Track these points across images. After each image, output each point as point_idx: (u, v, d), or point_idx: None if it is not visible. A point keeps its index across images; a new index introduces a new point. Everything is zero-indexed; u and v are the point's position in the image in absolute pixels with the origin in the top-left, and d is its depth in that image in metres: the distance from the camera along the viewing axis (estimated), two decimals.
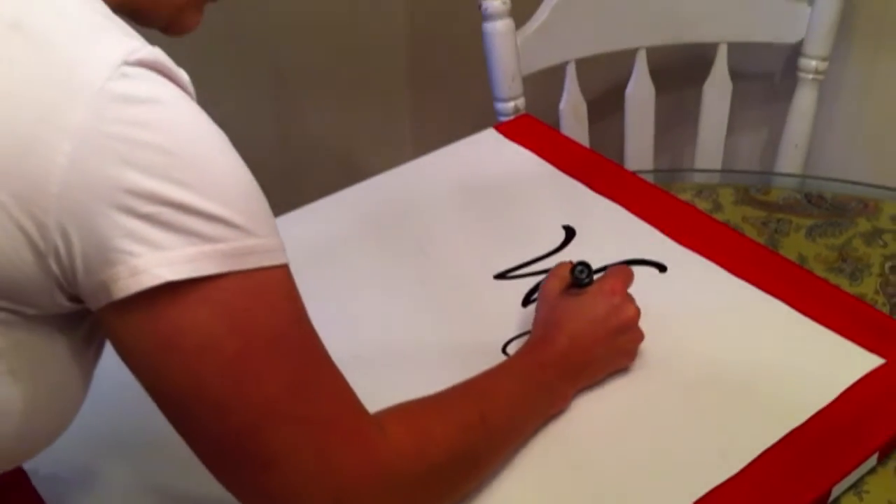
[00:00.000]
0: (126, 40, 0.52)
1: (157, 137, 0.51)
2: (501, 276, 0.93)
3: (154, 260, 0.51)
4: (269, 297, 0.56)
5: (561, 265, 0.85)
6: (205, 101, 0.57)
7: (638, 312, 0.81)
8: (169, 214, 0.51)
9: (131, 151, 0.50)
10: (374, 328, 0.88)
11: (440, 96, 2.03)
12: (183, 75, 0.55)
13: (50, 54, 0.50)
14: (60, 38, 0.51)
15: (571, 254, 0.95)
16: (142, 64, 0.52)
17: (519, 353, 0.79)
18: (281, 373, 0.56)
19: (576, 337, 0.78)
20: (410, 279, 0.94)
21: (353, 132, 2.04)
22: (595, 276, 0.83)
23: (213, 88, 1.62)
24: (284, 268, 0.56)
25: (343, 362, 0.77)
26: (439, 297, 0.91)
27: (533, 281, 0.92)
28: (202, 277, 0.52)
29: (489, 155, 1.12)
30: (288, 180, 1.79)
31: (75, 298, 0.54)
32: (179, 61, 0.56)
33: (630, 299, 0.82)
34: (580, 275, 0.82)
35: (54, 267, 0.52)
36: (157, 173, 0.51)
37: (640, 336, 0.82)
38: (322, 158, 1.97)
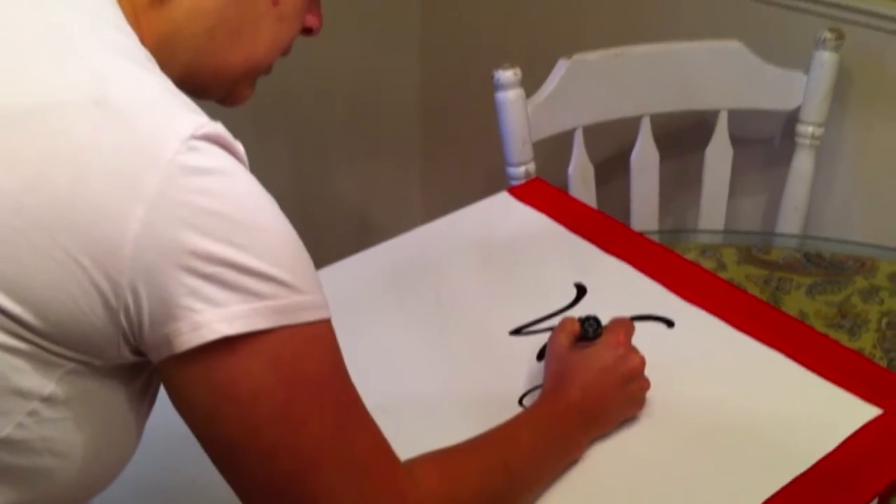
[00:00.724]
0: (193, 116, 0.58)
1: (220, 205, 0.56)
2: (517, 331, 0.98)
3: (213, 316, 0.56)
4: (315, 349, 0.60)
5: (568, 320, 0.90)
6: None
7: (643, 361, 0.86)
8: (227, 274, 0.56)
9: (196, 217, 0.55)
10: (397, 381, 0.93)
11: (450, 161, 2.09)
12: (239, 147, 0.60)
13: (127, 129, 0.55)
14: (137, 114, 0.56)
15: (583, 310, 1.00)
16: (206, 138, 0.57)
17: (535, 404, 0.84)
18: (325, 420, 0.61)
19: (587, 388, 0.83)
20: (430, 335, 0.98)
21: (367, 194, 2.10)
22: (601, 326, 0.88)
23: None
24: (328, 322, 0.61)
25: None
26: (458, 351, 0.96)
27: (547, 336, 0.96)
28: (255, 332, 0.57)
29: (503, 217, 1.17)
30: (303, 239, 1.84)
31: (138, 351, 0.59)
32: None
33: (634, 349, 0.87)
34: (589, 328, 0.87)
35: (123, 322, 0.56)
36: (219, 237, 0.56)
37: (647, 384, 0.87)
38: (336, 219, 2.03)
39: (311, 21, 0.74)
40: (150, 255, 0.55)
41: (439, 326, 0.99)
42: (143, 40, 0.64)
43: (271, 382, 0.58)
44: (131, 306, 0.56)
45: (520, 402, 0.90)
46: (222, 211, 0.56)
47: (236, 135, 0.61)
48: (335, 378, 0.62)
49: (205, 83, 0.69)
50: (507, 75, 1.32)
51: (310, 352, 0.60)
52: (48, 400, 0.58)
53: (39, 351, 0.56)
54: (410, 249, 1.13)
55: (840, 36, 1.37)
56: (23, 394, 0.57)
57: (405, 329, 0.99)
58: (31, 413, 0.57)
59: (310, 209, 1.99)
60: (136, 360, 0.59)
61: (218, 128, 0.58)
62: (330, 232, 1.89)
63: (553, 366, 0.88)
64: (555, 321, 0.99)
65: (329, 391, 0.61)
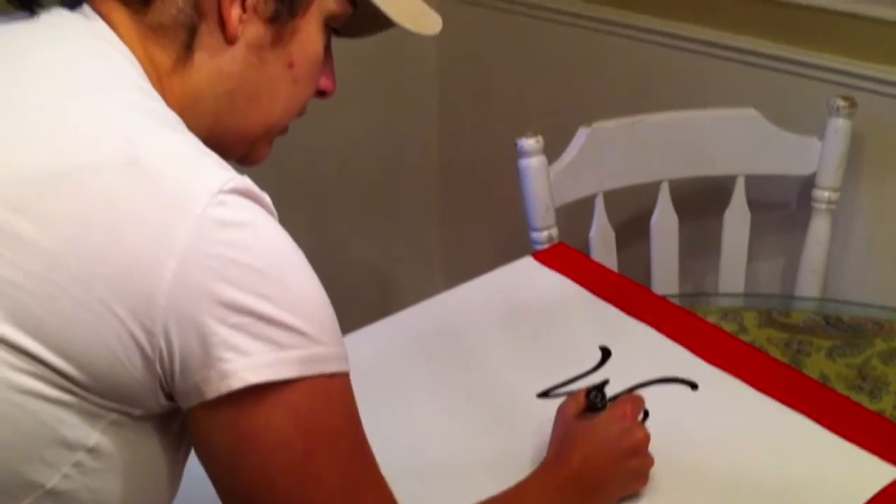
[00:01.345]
0: (221, 171, 0.61)
1: (247, 257, 0.59)
2: (544, 394, 1.01)
3: (241, 365, 0.58)
4: (333, 400, 0.62)
5: (578, 391, 0.91)
6: None
7: (648, 437, 0.87)
8: (255, 325, 0.58)
9: (225, 268, 0.58)
10: (427, 445, 0.95)
11: (469, 225, 2.13)
12: (266, 199, 0.62)
13: (159, 186, 0.59)
14: (168, 172, 0.59)
15: (608, 372, 1.03)
16: (235, 191, 0.60)
17: (537, 471, 0.85)
18: (339, 474, 0.63)
19: (588, 457, 0.84)
20: (459, 398, 1.01)
21: (387, 258, 2.14)
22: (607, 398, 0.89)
23: None
24: (347, 376, 0.63)
25: (397, 474, 0.85)
26: (486, 414, 0.98)
27: None
28: (279, 381, 0.59)
29: (528, 281, 1.20)
30: None
31: (171, 397, 0.61)
32: None
33: (640, 424, 0.88)
34: (594, 399, 0.88)
35: (159, 370, 0.59)
36: (246, 288, 0.58)
37: (650, 461, 0.87)
38: (356, 282, 2.06)
39: (324, 84, 0.77)
40: (182, 305, 0.57)
41: (468, 390, 1.02)
42: (168, 103, 0.67)
43: (291, 433, 0.60)
44: (165, 354, 0.58)
45: None
46: (250, 263, 0.59)
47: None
48: (352, 433, 0.64)
49: (225, 143, 0.72)
50: (529, 143, 1.36)
51: (329, 404, 0.62)
52: (93, 451, 0.60)
53: (84, 403, 0.59)
54: (437, 314, 1.16)
55: (853, 103, 1.41)
56: (69, 445, 0.59)
57: (434, 393, 1.02)
58: (77, 464, 0.60)
59: (330, 272, 2.02)
60: (171, 407, 0.62)
61: (245, 181, 0.61)
62: (350, 295, 1.91)
63: (558, 433, 0.89)
64: (581, 383, 1.01)
65: (345, 445, 0.63)
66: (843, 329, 1.14)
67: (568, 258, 1.25)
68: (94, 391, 0.59)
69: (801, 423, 0.95)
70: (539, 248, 1.35)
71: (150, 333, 0.58)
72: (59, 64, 0.64)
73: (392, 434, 0.95)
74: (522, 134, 1.37)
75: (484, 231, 2.04)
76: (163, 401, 0.61)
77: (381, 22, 0.75)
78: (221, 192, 0.59)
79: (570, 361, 1.04)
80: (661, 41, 1.65)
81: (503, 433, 0.96)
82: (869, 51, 1.45)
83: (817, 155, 1.44)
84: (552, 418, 0.96)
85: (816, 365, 1.08)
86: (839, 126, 1.42)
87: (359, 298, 1.98)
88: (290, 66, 0.72)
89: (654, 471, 0.89)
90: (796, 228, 1.52)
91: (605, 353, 1.06)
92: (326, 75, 0.77)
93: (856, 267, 1.53)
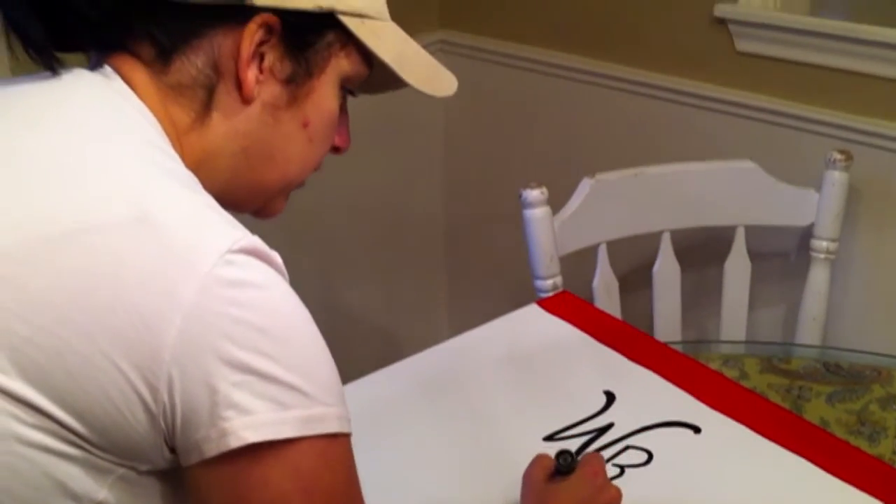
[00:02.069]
0: (231, 230, 0.61)
1: (252, 316, 0.59)
2: (550, 437, 1.03)
3: (240, 424, 0.58)
4: (333, 460, 0.62)
5: (541, 455, 0.91)
6: None
7: (620, 493, 0.87)
8: (257, 383, 0.59)
9: (230, 327, 0.58)
10: (435, 488, 0.97)
11: (474, 276, 2.16)
12: (276, 258, 0.63)
13: (167, 243, 0.59)
14: (177, 229, 0.60)
15: (613, 416, 1.05)
16: (244, 251, 0.60)
17: None
18: None
19: None
20: (466, 442, 1.03)
21: (393, 310, 2.16)
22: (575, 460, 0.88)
23: None
24: (348, 437, 0.63)
25: None
26: (494, 457, 1.00)
27: (579, 441, 1.01)
28: (279, 441, 0.59)
29: (533, 328, 1.23)
30: (330, 353, 1.89)
31: (174, 451, 0.61)
32: None
33: (609, 482, 0.88)
34: (564, 463, 0.88)
35: (162, 424, 0.59)
36: (250, 347, 0.59)
37: None
38: (363, 334, 2.08)
39: (339, 141, 0.78)
40: (186, 362, 0.58)
41: (476, 433, 1.04)
42: (185, 160, 0.68)
43: (288, 490, 0.60)
44: (168, 410, 0.59)
45: None
46: (254, 322, 0.59)
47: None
48: (349, 493, 0.64)
49: (241, 198, 0.74)
50: (534, 194, 1.40)
51: (328, 464, 0.62)
52: None
53: (91, 457, 0.59)
54: (443, 359, 1.18)
55: (849, 157, 1.45)
56: (78, 498, 0.60)
57: (441, 436, 1.04)
58: None
59: (337, 324, 2.05)
60: (177, 462, 0.62)
61: (255, 241, 0.62)
62: (357, 346, 1.93)
63: (530, 499, 0.88)
64: (587, 426, 1.03)
65: None
66: (843, 375, 1.17)
67: (572, 306, 1.27)
68: (100, 447, 0.59)
69: (802, 467, 0.97)
70: (544, 296, 1.38)
71: (153, 389, 0.58)
72: (78, 122, 0.66)
73: (399, 476, 0.98)
74: (527, 185, 1.41)
75: (489, 282, 2.07)
76: (168, 455, 0.61)
77: (396, 81, 0.77)
78: (230, 251, 0.60)
79: (576, 405, 1.07)
80: (663, 96, 1.69)
81: (510, 476, 0.97)
82: (865, 106, 1.49)
83: (815, 206, 1.48)
84: None
85: (816, 410, 1.10)
86: (836, 178, 1.46)
87: (365, 350, 2.00)
88: (306, 125, 0.73)
89: None
90: (796, 277, 1.55)
91: (610, 398, 1.08)
92: (341, 132, 0.78)
93: (855, 315, 1.56)
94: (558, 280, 1.42)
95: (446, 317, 2.22)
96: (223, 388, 0.58)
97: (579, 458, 0.90)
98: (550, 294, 1.38)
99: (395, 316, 2.17)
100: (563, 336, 1.21)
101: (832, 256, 1.48)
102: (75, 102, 0.67)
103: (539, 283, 1.42)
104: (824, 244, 1.48)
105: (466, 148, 2.05)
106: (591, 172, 1.46)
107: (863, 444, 1.04)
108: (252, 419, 0.59)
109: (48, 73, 0.68)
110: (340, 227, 2.01)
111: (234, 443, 0.59)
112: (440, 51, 1.93)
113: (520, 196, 1.41)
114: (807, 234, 1.51)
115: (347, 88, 0.77)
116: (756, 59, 1.58)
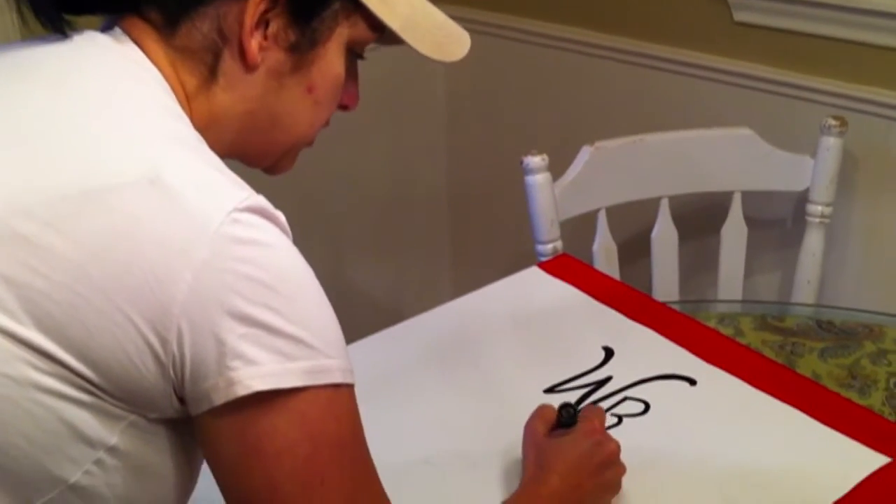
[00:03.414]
0: (237, 191, 0.64)
1: (259, 272, 0.62)
2: (550, 389, 1.06)
3: (247, 373, 0.61)
4: (338, 410, 0.65)
5: (543, 407, 0.94)
6: None
7: (619, 447, 0.89)
8: (263, 336, 0.61)
9: (237, 282, 0.61)
10: (442, 438, 1.00)
11: (478, 246, 2.19)
12: (281, 217, 0.65)
13: (178, 204, 0.62)
14: (186, 191, 0.62)
15: (611, 370, 1.08)
16: (249, 210, 0.63)
17: (517, 493, 0.86)
18: (341, 483, 0.65)
19: (566, 475, 0.86)
20: (470, 394, 1.06)
21: (399, 283, 2.19)
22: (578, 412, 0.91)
23: None
24: (351, 387, 0.66)
25: (412, 463, 0.90)
26: (497, 409, 1.04)
27: (579, 393, 1.05)
28: (285, 389, 0.62)
29: (534, 289, 1.26)
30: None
31: (184, 402, 0.64)
32: None
33: (609, 436, 0.90)
34: (568, 415, 0.90)
35: (172, 375, 0.62)
36: (256, 301, 0.61)
37: (622, 469, 0.89)
38: (369, 306, 2.11)
39: (347, 100, 0.80)
40: (195, 315, 0.61)
41: (478, 386, 1.08)
42: (193, 120, 0.70)
43: (296, 439, 0.63)
44: (177, 360, 0.62)
45: None
46: (261, 278, 0.62)
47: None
48: (355, 443, 0.67)
49: (250, 157, 0.77)
50: (535, 161, 1.43)
51: (333, 413, 0.65)
52: (113, 450, 0.63)
53: (103, 404, 0.62)
54: (446, 319, 1.21)
55: (843, 123, 1.48)
56: (91, 443, 0.63)
57: (446, 391, 1.07)
58: (98, 462, 0.63)
59: (342, 294, 2.07)
60: (186, 412, 0.65)
61: (260, 200, 0.64)
62: (361, 312, 1.96)
63: (532, 454, 0.90)
64: (586, 379, 1.07)
65: (348, 454, 0.66)
66: (835, 332, 1.20)
67: (572, 268, 1.31)
68: (112, 394, 0.62)
69: (794, 416, 1.01)
70: (544, 259, 1.41)
71: (164, 340, 0.61)
72: (95, 86, 0.68)
73: (406, 427, 1.01)
74: (528, 153, 1.43)
75: (492, 252, 2.10)
76: (177, 405, 0.64)
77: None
78: (236, 210, 0.62)
79: (575, 360, 1.10)
80: (661, 66, 1.72)
81: (511, 427, 1.01)
82: (859, 74, 1.52)
83: (810, 172, 1.51)
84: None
85: (809, 365, 1.14)
86: (831, 144, 1.49)
87: (370, 319, 2.03)
88: (311, 90, 0.75)
89: (654, 461, 0.94)
90: (791, 242, 1.58)
91: (608, 353, 1.11)
92: (350, 92, 0.79)
93: (848, 278, 1.59)
94: (559, 244, 1.45)
95: (450, 285, 2.25)
96: (230, 339, 0.61)
97: (580, 410, 0.92)
98: (551, 258, 1.41)
99: (399, 285, 2.20)
100: (563, 296, 1.24)
101: (827, 220, 1.51)
102: (91, 66, 0.69)
103: (540, 248, 1.45)
104: (819, 209, 1.51)
105: (469, 120, 2.08)
106: (592, 141, 1.49)
107: (853, 397, 1.07)
108: (258, 369, 0.61)
109: (59, 36, 0.70)
110: (345, 198, 2.04)
111: (242, 391, 0.61)
112: None
113: (521, 163, 1.44)
114: (802, 199, 1.54)
115: (356, 52, 0.78)
116: (753, 28, 1.60)
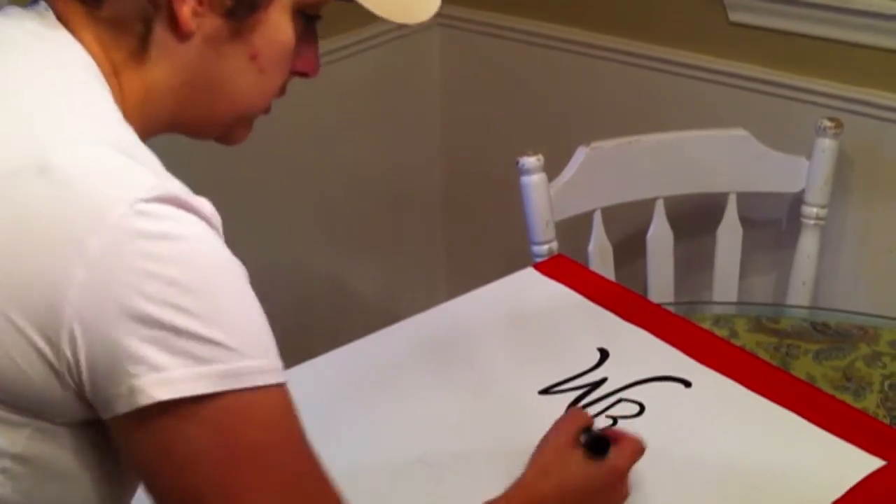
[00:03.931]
0: (145, 178, 0.57)
1: (165, 269, 0.56)
2: (545, 391, 1.06)
3: (151, 380, 0.56)
4: (258, 415, 0.59)
5: (582, 415, 0.88)
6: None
7: (628, 494, 0.85)
8: (170, 338, 0.56)
9: (139, 281, 0.55)
10: (436, 439, 1.00)
11: (472, 245, 2.19)
12: (204, 205, 0.59)
13: (70, 195, 0.56)
14: (80, 180, 0.56)
15: (606, 371, 1.08)
16: (159, 200, 0.57)
17: (515, 487, 0.82)
18: (268, 489, 0.59)
19: (565, 492, 0.82)
20: (464, 396, 1.06)
21: (393, 282, 2.19)
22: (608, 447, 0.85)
23: (268, 234, 1.78)
24: (280, 388, 0.60)
25: (405, 464, 0.89)
26: (491, 410, 1.04)
27: (574, 395, 1.05)
28: (194, 397, 0.56)
29: (529, 290, 1.26)
30: (332, 324, 1.92)
31: (93, 405, 0.59)
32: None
33: (627, 480, 0.85)
34: (595, 448, 0.84)
35: (70, 381, 0.57)
36: (162, 301, 0.55)
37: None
38: (363, 304, 2.11)
39: (302, 66, 0.73)
40: (89, 317, 0.55)
41: (473, 387, 1.07)
42: (124, 94, 0.65)
43: (207, 446, 0.58)
44: (73, 367, 0.57)
45: None
46: (168, 274, 0.56)
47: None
48: (284, 445, 0.61)
49: (195, 129, 0.71)
50: (531, 161, 1.42)
51: (253, 418, 0.59)
52: (19, 458, 0.59)
53: (0, 414, 0.58)
54: (441, 320, 1.21)
55: (839, 125, 1.48)
56: None
57: (440, 390, 1.07)
58: (3, 471, 0.59)
59: (336, 293, 2.07)
60: (96, 414, 0.60)
61: (173, 189, 0.58)
62: (356, 315, 1.96)
63: (547, 454, 0.85)
64: (581, 381, 1.07)
65: (274, 459, 0.60)
66: (830, 334, 1.20)
67: (567, 269, 1.30)
68: (6, 403, 0.58)
69: (789, 419, 1.00)
70: (540, 260, 1.41)
71: (54, 346, 0.56)
72: (1, 67, 0.63)
73: (400, 427, 1.01)
74: (524, 153, 1.43)
75: (487, 252, 2.10)
76: (83, 409, 0.59)
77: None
78: (143, 200, 0.56)
79: (570, 362, 1.10)
80: (657, 66, 1.72)
81: (506, 427, 1.01)
82: (855, 75, 1.52)
83: (805, 173, 1.51)
84: (553, 412, 1.01)
85: (804, 367, 1.14)
86: (826, 146, 1.49)
87: (364, 319, 2.03)
88: (254, 57, 0.68)
89: (648, 462, 0.93)
90: (786, 243, 1.58)
91: (603, 354, 1.11)
92: (306, 58, 0.73)
93: (844, 279, 1.59)
94: (554, 245, 1.45)
95: (444, 285, 2.25)
96: (132, 344, 0.56)
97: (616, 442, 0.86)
98: (546, 258, 1.41)
99: (393, 285, 2.19)
100: (558, 297, 1.24)
101: (822, 222, 1.51)
102: (2, 45, 0.65)
103: (535, 249, 1.45)
104: (814, 210, 1.51)
105: (464, 120, 2.07)
106: (588, 141, 1.49)
107: (848, 399, 1.07)
108: (163, 375, 0.56)
109: None
110: (339, 197, 2.03)
111: (144, 400, 0.56)
112: (436, 24, 1.95)
113: (517, 163, 1.43)
114: (797, 201, 1.54)
115: (308, 14, 0.71)
116: (748, 29, 1.60)
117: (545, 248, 1.45)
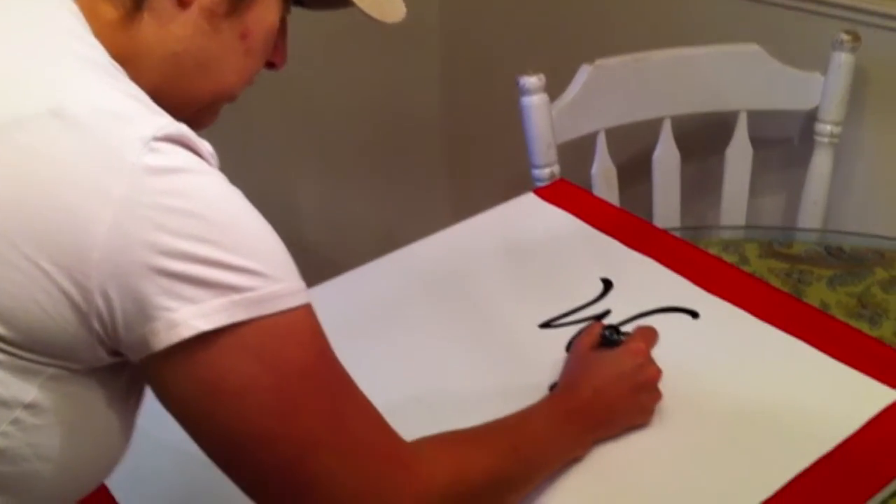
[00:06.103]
0: (154, 118, 0.59)
1: (186, 203, 0.57)
2: (546, 324, 1.02)
3: (189, 313, 0.56)
4: (296, 335, 0.61)
5: (595, 324, 0.93)
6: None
7: (659, 373, 0.88)
8: (200, 270, 0.56)
9: (164, 217, 0.56)
10: (433, 374, 0.96)
11: (474, 170, 2.14)
12: (205, 146, 0.60)
13: (86, 136, 0.56)
14: (95, 121, 0.57)
15: (610, 303, 1.03)
16: (168, 139, 0.58)
17: (548, 398, 0.86)
18: (317, 405, 0.61)
19: (600, 390, 0.85)
20: (463, 329, 1.02)
21: (394, 208, 2.15)
22: (623, 335, 0.92)
23: (267, 164, 1.73)
24: (307, 307, 0.61)
25: (403, 401, 0.86)
26: (490, 344, 1.00)
27: (575, 329, 1.00)
28: (234, 324, 0.57)
29: (529, 216, 1.21)
30: (332, 254, 1.88)
31: (115, 352, 0.59)
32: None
33: (653, 361, 0.89)
34: (610, 336, 0.91)
35: (96, 325, 0.57)
36: (187, 234, 0.56)
37: (658, 396, 0.89)
38: (364, 233, 2.07)
39: (276, 57, 0.75)
40: (120, 258, 0.56)
41: (471, 321, 1.03)
42: (108, 52, 0.64)
43: (257, 373, 0.59)
44: (103, 310, 0.57)
45: (550, 390, 0.93)
46: (189, 208, 0.57)
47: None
48: (322, 362, 0.63)
49: (170, 105, 0.68)
50: (531, 81, 1.36)
51: (292, 339, 0.60)
52: (31, 407, 0.59)
53: (16, 360, 0.57)
54: (440, 249, 1.16)
55: (856, 38, 1.40)
56: (5, 403, 0.58)
57: (438, 324, 1.03)
58: (14, 421, 0.59)
59: (337, 225, 2.04)
60: (115, 361, 0.60)
61: (180, 128, 0.59)
62: (358, 246, 1.93)
63: (572, 363, 0.90)
64: (583, 314, 1.02)
65: (317, 376, 0.62)
66: (844, 259, 1.15)
67: (569, 194, 1.25)
68: (25, 347, 0.57)
69: (802, 350, 0.96)
70: (541, 185, 1.35)
71: (84, 290, 0.56)
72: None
73: (397, 363, 0.97)
74: (524, 72, 1.37)
75: (489, 177, 2.05)
76: (104, 355, 0.59)
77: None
78: (154, 139, 0.57)
79: (572, 293, 1.05)
80: None
81: (506, 362, 0.97)
82: None
83: (820, 90, 1.44)
84: (553, 348, 0.98)
85: (817, 294, 1.09)
86: (843, 61, 1.41)
87: (366, 249, 1.99)
88: (244, 36, 0.70)
89: None
90: (798, 163, 1.52)
91: (607, 285, 1.06)
92: (279, 49, 0.75)
93: (857, 199, 1.53)
94: (556, 169, 1.39)
95: (446, 211, 2.21)
96: (165, 279, 0.56)
97: (630, 331, 0.93)
98: (547, 183, 1.35)
99: (395, 212, 2.15)
100: (559, 224, 1.19)
101: (836, 140, 1.45)
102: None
103: (536, 172, 1.39)
104: (828, 128, 1.44)
105: (463, 40, 2.00)
106: (592, 59, 1.42)
107: (864, 327, 1.03)
108: (201, 307, 0.57)
109: None
110: (338, 125, 1.98)
111: (186, 332, 0.57)
112: None
113: (517, 83, 1.37)
114: (811, 118, 1.47)
115: (289, 4, 0.73)
116: None
117: (546, 171, 1.39)
